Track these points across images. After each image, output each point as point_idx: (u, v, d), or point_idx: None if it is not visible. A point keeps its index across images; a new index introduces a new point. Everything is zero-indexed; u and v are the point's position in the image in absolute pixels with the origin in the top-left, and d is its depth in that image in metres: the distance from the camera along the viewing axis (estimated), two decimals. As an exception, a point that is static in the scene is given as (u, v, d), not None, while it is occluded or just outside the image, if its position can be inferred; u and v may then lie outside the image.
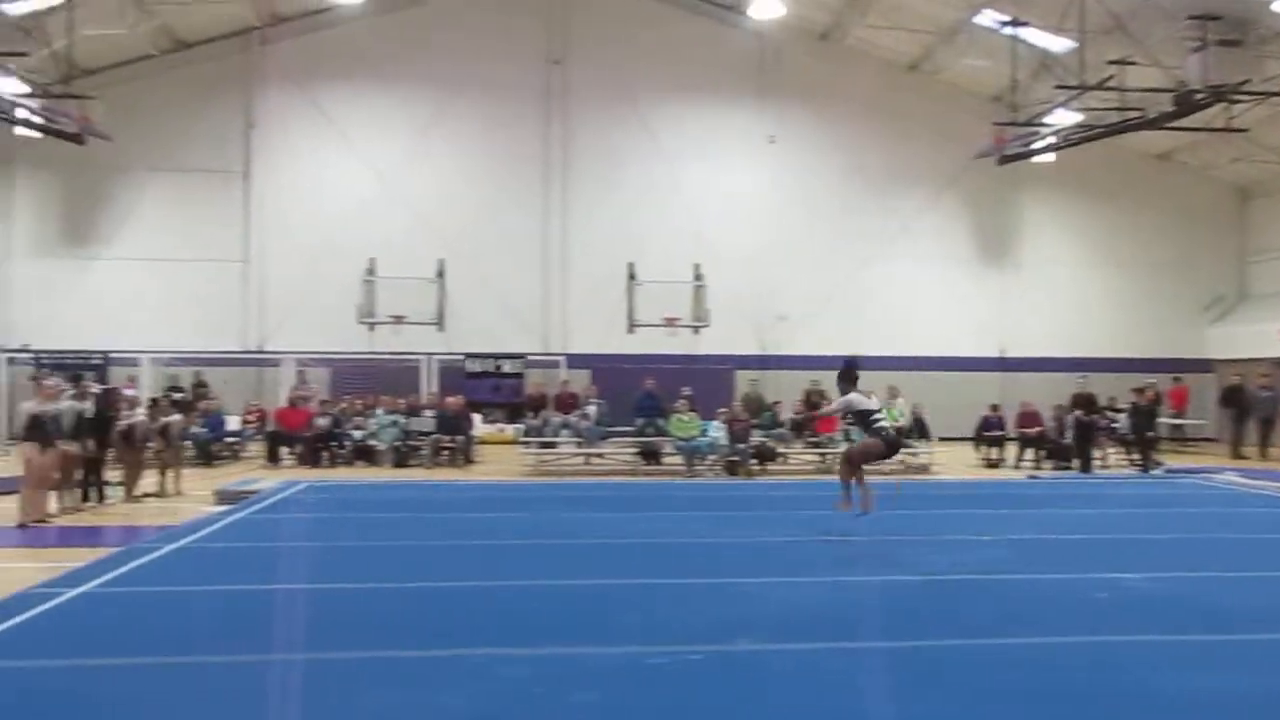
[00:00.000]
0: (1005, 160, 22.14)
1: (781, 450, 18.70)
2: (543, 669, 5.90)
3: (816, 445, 18.99)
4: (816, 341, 25.37)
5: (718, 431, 17.79)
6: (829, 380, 20.71)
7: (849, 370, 11.23)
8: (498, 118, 25.22)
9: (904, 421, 19.33)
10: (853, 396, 10.95)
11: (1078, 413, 18.82)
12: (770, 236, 25.79)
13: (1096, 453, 19.00)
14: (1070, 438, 18.88)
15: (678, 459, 18.02)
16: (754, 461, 17.87)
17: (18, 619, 7.02)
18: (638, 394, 19.14)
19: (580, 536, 10.88)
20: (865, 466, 11.12)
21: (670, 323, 23.63)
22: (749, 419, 18.49)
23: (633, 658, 6.08)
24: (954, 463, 19.33)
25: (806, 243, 25.92)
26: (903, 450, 18.56)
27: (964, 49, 23.56)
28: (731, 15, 25.71)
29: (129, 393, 17.21)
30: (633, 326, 23.68)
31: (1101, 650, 6.47)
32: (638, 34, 25.43)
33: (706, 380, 22.35)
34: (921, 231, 26.41)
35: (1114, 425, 19.84)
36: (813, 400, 19.64)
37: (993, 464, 19.71)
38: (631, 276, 23.80)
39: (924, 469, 18.62)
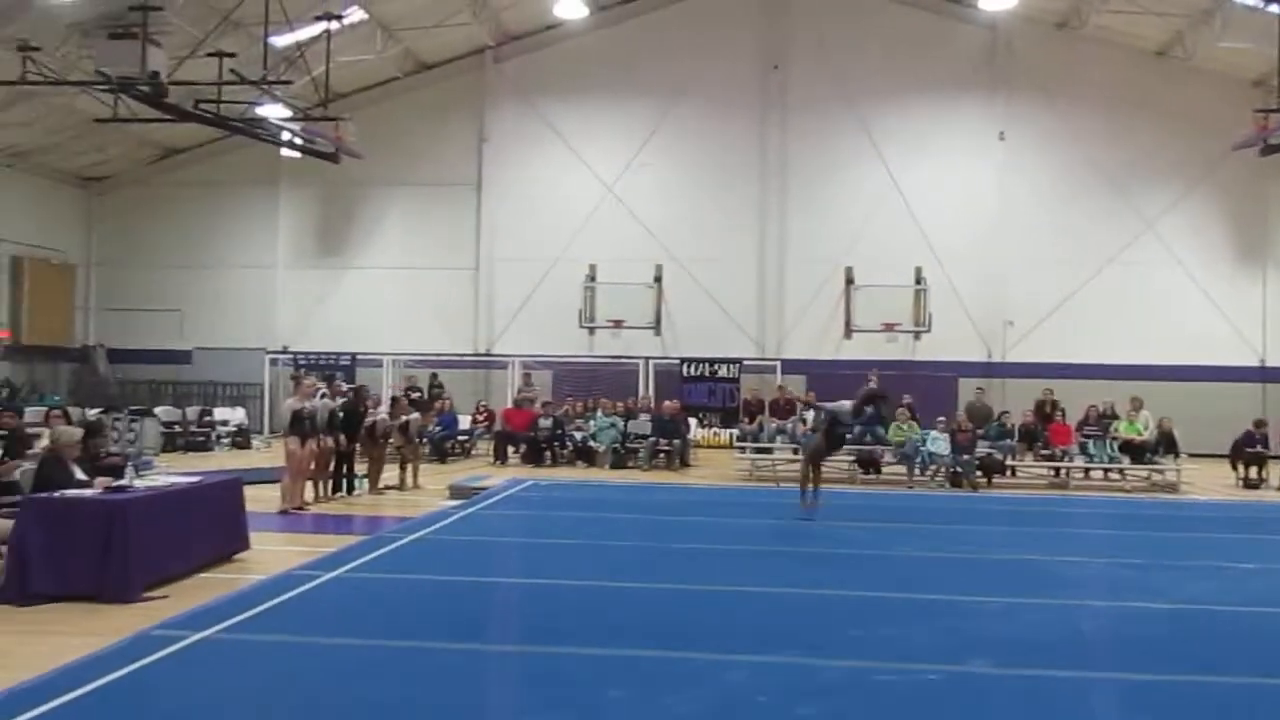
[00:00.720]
0: (1269, 150, 20.07)
1: (1009, 463, 17.80)
2: (766, 677, 5.85)
3: (1049, 458, 17.93)
4: (1048, 348, 24.12)
5: (937, 441, 17.13)
6: (1063, 389, 19.78)
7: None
8: (716, 124, 25.39)
9: (1148, 435, 17.96)
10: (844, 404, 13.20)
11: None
12: (997, 238, 24.63)
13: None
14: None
15: (898, 469, 17.50)
16: (979, 474, 17.09)
17: (284, 596, 7.69)
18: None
19: (799, 544, 10.76)
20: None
21: (890, 328, 23.01)
22: (974, 429, 17.69)
23: (860, 673, 5.93)
24: (1206, 482, 17.75)
25: (1037, 244, 24.56)
26: (1149, 467, 17.49)
27: (1220, 31, 21.64)
28: (959, 8, 24.77)
29: (404, 393, 18.45)
30: (850, 331, 23.23)
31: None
32: (859, 33, 24.96)
33: (927, 387, 21.57)
34: (1169, 230, 24.46)
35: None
36: (1045, 410, 18.56)
37: (1252, 484, 17.94)
38: (849, 281, 23.34)
39: (1172, 488, 17.20)
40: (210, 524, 9.10)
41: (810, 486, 12.85)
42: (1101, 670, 6.18)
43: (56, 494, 7.96)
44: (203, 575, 8.58)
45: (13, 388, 23.29)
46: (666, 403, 20.27)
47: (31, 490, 8.17)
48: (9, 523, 7.65)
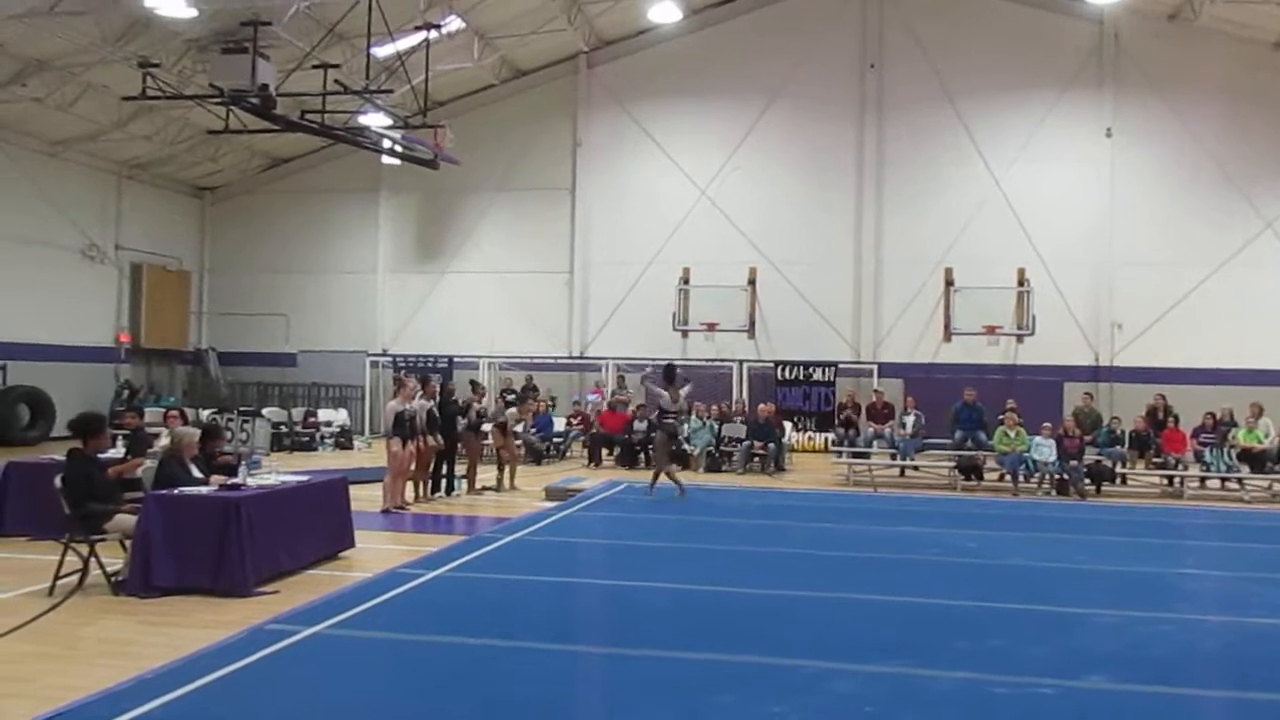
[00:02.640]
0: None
1: (1120, 471, 17.17)
2: (875, 688, 5.73)
3: (1162, 466, 17.22)
4: (1160, 352, 23.21)
5: (1042, 448, 16.60)
6: (1176, 395, 19.01)
7: (670, 371, 15.51)
8: (811, 125, 25.11)
9: (1269, 443, 17.12)
10: (660, 391, 14.84)
11: None
12: (1105, 238, 23.79)
13: None
14: None
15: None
16: (1088, 482, 16.51)
17: (389, 594, 7.86)
18: (956, 405, 18.29)
19: (904, 551, 10.53)
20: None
21: (991, 331, 22.43)
22: (1082, 435, 17.10)
23: (971, 685, 5.76)
24: (1334, 493, 16.82)
25: (1147, 244, 23.62)
26: (1270, 477, 16.66)
27: (1348, 18, 20.55)
28: (1064, 1, 24.01)
29: (501, 394, 18.83)
30: (950, 334, 22.72)
31: None
32: (958, 30, 24.40)
33: (1030, 392, 21.00)
34: (1291, 229, 23.29)
35: None
36: (1157, 417, 17.85)
37: (1385, 496, 16.92)
38: (949, 282, 22.82)
39: (1295, 498, 16.38)
40: (318, 522, 9.35)
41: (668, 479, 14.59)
42: (1227, 689, 5.90)
43: (176, 491, 8.28)
44: (311, 571, 8.83)
45: (132, 389, 24.38)
46: (761, 406, 20.12)
47: (153, 487, 8.52)
48: (133, 518, 7.99)
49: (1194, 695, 5.85)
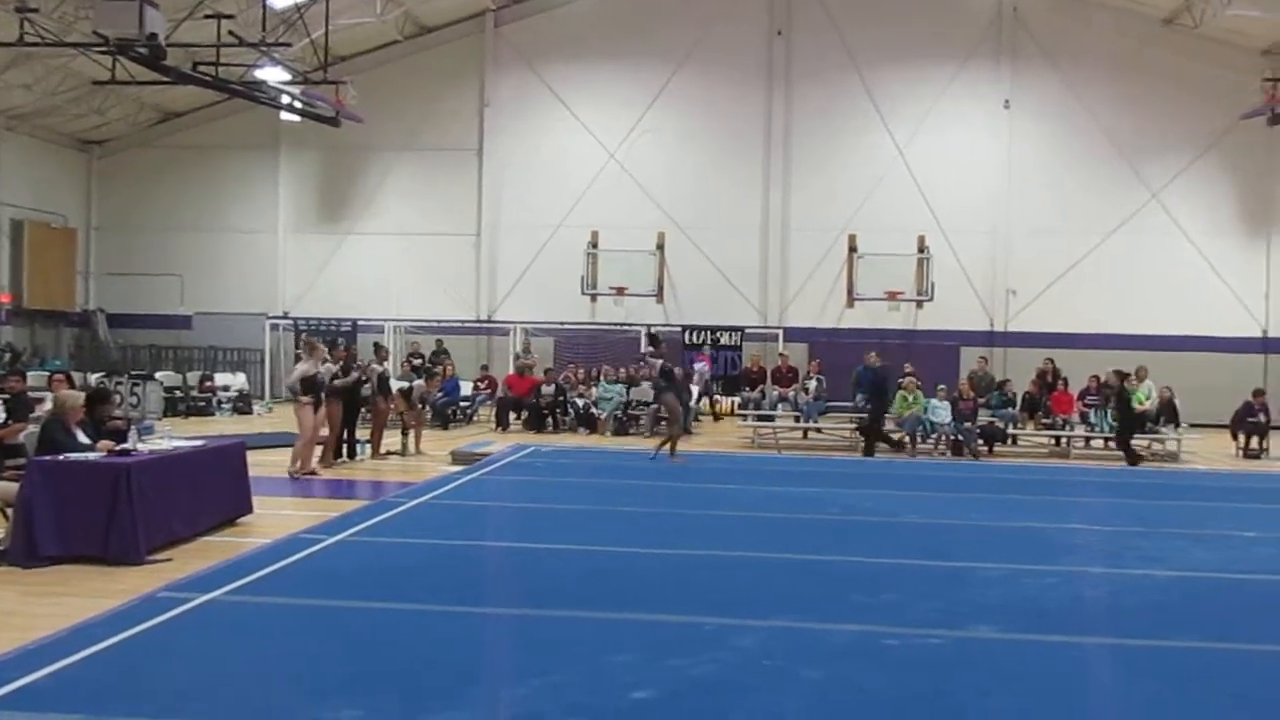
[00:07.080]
0: (1277, 120, 20.04)
1: (1011, 432, 17.83)
2: (774, 642, 5.88)
3: (1050, 427, 17.95)
4: (1051, 318, 24.12)
5: (939, 410, 17.14)
6: (1065, 359, 19.81)
7: (655, 338, 16.34)
8: (720, 91, 25.18)
9: (1150, 404, 17.97)
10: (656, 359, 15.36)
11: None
12: (1002, 207, 24.54)
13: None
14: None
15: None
16: (980, 442, 17.11)
17: (289, 560, 7.71)
18: (858, 369, 18.69)
19: (805, 511, 10.77)
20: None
21: (893, 297, 22.98)
22: (976, 397, 17.70)
23: (865, 637, 5.96)
24: (1207, 452, 17.79)
25: (1041, 213, 24.46)
26: (1150, 437, 17.51)
27: (1230, -2, 21.42)
28: (965, -26, 24.51)
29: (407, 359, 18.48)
30: (853, 300, 23.21)
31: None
32: (864, 1, 24.68)
33: (929, 356, 21.67)
34: (1174, 200, 24.35)
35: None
36: (1046, 379, 18.56)
37: (1252, 455, 17.95)
38: (853, 249, 23.28)
39: (1173, 457, 17.25)
40: (214, 487, 9.11)
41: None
42: (1105, 636, 6.21)
43: (61, 457, 7.96)
44: (206, 538, 8.60)
45: (15, 352, 23.27)
46: (669, 370, 20.20)
47: (36, 453, 8.18)
48: (15, 486, 7.66)
49: (1074, 642, 6.14)
